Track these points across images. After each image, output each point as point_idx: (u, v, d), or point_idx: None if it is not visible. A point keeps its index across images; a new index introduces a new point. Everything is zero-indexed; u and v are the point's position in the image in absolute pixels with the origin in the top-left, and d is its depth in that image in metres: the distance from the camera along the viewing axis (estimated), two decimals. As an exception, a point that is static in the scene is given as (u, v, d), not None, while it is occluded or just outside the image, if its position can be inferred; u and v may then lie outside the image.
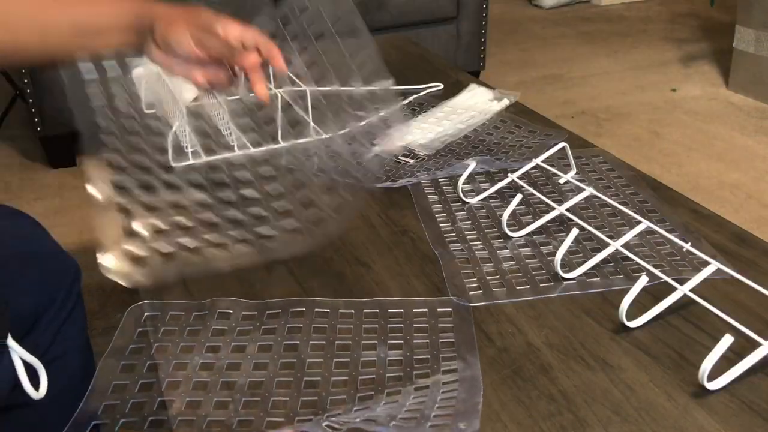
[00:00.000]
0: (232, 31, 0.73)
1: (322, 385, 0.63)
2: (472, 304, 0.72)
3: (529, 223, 0.84)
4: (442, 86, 1.26)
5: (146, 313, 0.72)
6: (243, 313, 0.72)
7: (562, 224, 0.84)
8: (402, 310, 0.72)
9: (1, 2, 0.70)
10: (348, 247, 0.82)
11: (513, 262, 0.78)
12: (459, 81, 1.29)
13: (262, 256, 0.79)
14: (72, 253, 1.00)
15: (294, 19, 0.96)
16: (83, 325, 0.97)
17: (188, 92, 1.24)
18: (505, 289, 0.74)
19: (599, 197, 0.86)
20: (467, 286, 0.75)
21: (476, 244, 0.82)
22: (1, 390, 0.70)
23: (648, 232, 0.81)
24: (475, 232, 0.84)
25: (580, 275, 0.75)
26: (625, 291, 0.68)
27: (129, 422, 0.61)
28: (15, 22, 0.70)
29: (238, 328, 0.70)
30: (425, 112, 1.16)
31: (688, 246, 0.75)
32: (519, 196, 0.82)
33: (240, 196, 0.91)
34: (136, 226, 0.82)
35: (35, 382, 0.68)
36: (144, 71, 1.20)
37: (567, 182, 0.93)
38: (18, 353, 0.68)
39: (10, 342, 0.69)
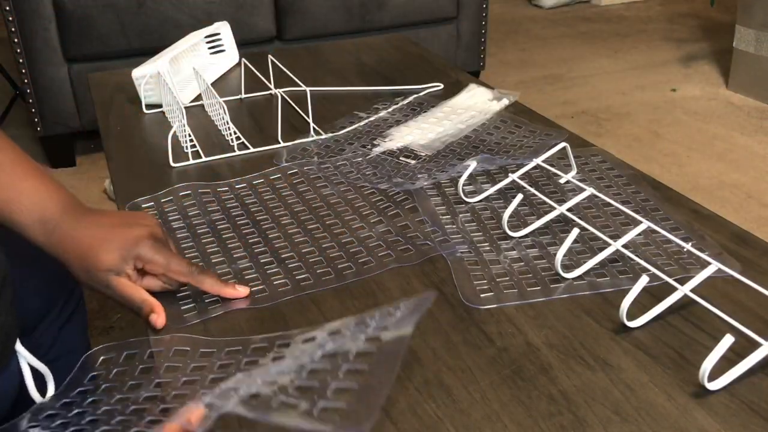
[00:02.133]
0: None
1: None
2: (483, 307, 0.71)
3: (533, 224, 0.84)
4: (442, 86, 1.26)
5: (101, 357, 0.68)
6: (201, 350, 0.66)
7: (567, 224, 0.84)
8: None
9: None
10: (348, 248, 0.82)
11: (521, 264, 0.78)
12: (459, 81, 1.29)
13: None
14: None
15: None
16: (84, 326, 0.97)
17: (188, 92, 1.24)
18: (516, 290, 0.73)
19: (600, 197, 0.85)
20: (477, 288, 0.74)
21: (483, 246, 0.81)
22: (8, 395, 0.70)
23: (649, 231, 0.81)
24: (480, 233, 0.83)
25: (581, 275, 0.75)
26: (626, 291, 0.67)
27: None
28: None
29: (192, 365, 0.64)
30: (425, 112, 1.16)
31: (688, 246, 0.75)
32: (520, 196, 0.82)
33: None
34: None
35: (39, 386, 0.68)
36: (144, 71, 1.20)
37: (568, 182, 0.93)
38: (26, 359, 0.68)
39: (19, 347, 0.69)
